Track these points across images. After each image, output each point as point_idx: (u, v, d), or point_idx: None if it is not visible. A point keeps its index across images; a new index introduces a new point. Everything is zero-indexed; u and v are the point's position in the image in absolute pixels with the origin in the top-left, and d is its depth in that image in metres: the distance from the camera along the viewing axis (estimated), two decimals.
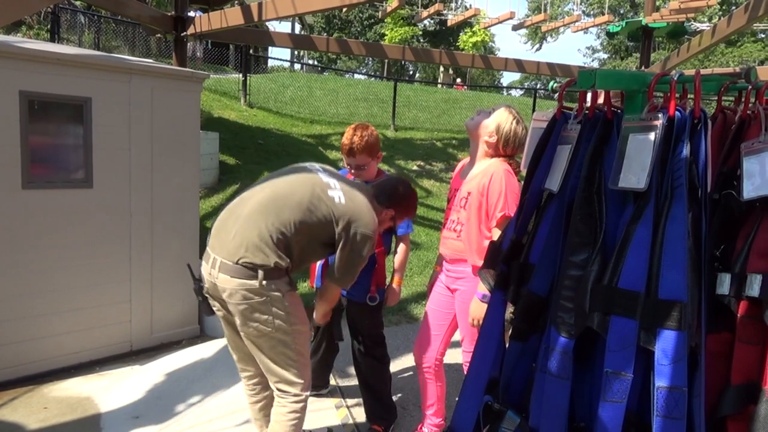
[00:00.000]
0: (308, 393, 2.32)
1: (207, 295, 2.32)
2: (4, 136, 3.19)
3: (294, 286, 2.28)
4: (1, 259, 3.25)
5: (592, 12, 33.39)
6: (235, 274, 2.12)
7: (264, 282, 2.11)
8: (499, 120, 2.50)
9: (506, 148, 2.52)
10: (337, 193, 2.25)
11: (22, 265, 3.34)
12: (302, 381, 2.28)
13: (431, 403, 2.83)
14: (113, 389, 3.39)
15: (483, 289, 2.39)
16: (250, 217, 2.18)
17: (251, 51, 12.62)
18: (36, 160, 3.35)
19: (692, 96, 1.34)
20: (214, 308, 2.35)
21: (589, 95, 1.50)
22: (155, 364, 3.72)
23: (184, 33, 6.96)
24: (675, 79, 1.32)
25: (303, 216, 2.17)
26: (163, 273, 3.94)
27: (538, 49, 40.61)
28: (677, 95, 1.34)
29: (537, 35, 37.88)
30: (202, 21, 6.87)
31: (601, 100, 1.49)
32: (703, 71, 1.47)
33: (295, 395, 2.27)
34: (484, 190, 2.43)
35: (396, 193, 2.50)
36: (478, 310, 2.40)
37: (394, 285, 3.02)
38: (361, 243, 2.24)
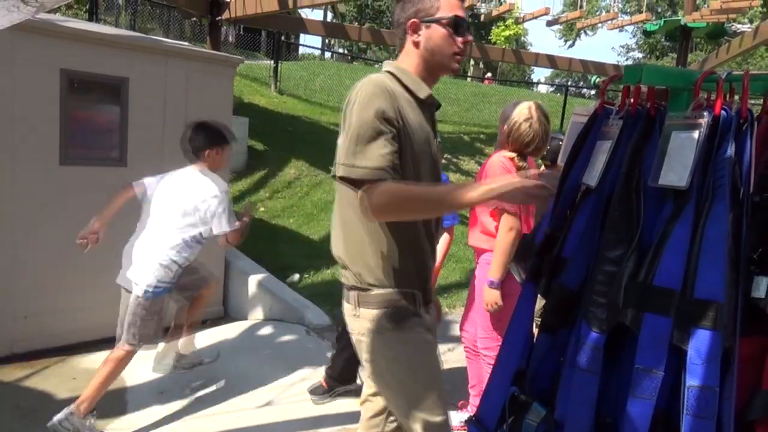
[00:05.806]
0: None
1: None
2: (45, 113, 3.27)
3: None
4: (37, 232, 3.34)
5: (629, 9, 32.71)
6: None
7: None
8: (516, 112, 2.59)
9: (511, 141, 2.61)
10: None
11: (57, 239, 3.42)
12: None
13: (473, 384, 2.91)
14: (139, 364, 3.46)
15: (493, 275, 2.51)
16: None
17: (283, 38, 12.67)
18: (74, 138, 3.43)
19: (738, 95, 1.32)
20: None
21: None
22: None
23: (219, 17, 7.04)
24: (723, 77, 1.30)
25: None
26: None
27: (570, 46, 39.95)
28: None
29: (572, 31, 37.24)
30: (237, 6, 6.93)
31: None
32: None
33: None
34: (478, 178, 2.73)
35: None
36: (488, 295, 2.56)
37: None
38: None
